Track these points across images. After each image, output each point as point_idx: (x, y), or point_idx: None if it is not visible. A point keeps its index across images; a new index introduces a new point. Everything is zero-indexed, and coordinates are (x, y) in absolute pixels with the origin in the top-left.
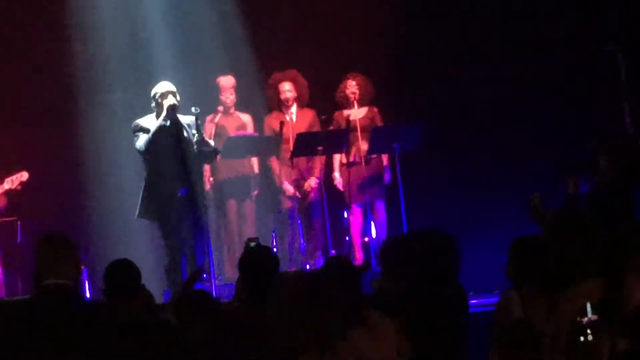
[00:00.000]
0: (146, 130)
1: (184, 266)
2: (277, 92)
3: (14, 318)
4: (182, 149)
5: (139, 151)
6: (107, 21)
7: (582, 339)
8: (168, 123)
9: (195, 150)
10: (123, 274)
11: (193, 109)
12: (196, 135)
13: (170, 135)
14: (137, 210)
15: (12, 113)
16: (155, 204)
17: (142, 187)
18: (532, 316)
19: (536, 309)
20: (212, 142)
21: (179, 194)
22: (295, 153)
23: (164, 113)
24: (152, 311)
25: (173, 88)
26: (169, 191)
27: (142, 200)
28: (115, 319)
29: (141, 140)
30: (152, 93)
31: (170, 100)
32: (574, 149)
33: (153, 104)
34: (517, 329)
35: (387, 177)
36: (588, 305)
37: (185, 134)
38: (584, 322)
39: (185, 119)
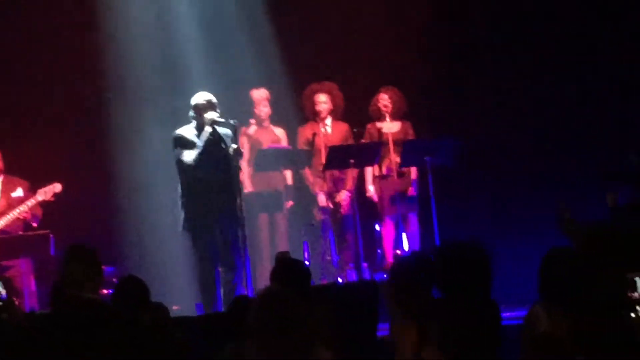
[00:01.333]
0: (189, 143)
1: (218, 280)
2: (313, 103)
3: (45, 330)
4: (220, 161)
5: (185, 165)
6: (140, 33)
7: (632, 314)
8: (213, 137)
9: (234, 162)
10: (128, 292)
11: (231, 121)
12: (233, 146)
13: (212, 148)
14: (182, 223)
15: (45, 125)
16: (194, 216)
17: (182, 199)
18: (556, 331)
19: (560, 324)
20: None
21: (217, 207)
22: (328, 166)
23: (208, 128)
24: (159, 327)
25: (213, 99)
26: (210, 203)
27: (185, 212)
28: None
29: (189, 155)
30: (193, 103)
31: (211, 115)
32: (616, 161)
33: (192, 114)
34: (542, 343)
35: (413, 190)
36: (638, 281)
37: (223, 145)
38: (634, 298)
39: (223, 131)
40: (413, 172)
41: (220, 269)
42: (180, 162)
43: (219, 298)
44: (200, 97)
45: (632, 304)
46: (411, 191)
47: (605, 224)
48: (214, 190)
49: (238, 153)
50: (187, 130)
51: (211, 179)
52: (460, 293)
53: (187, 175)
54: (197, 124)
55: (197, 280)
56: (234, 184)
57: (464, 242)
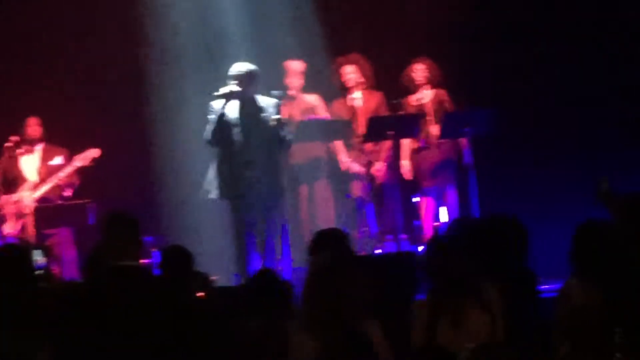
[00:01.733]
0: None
1: (253, 249)
2: (340, 76)
3: (85, 298)
4: (252, 131)
5: (204, 139)
6: (182, 1)
7: None
8: (225, 112)
9: (277, 134)
10: (174, 261)
11: (275, 92)
12: (275, 118)
13: (242, 116)
14: (212, 189)
15: (86, 93)
16: (226, 184)
17: (215, 166)
18: (591, 304)
19: (595, 296)
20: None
21: (249, 176)
22: (368, 137)
23: (223, 101)
24: (202, 297)
25: (239, 70)
26: (238, 172)
27: (215, 178)
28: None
29: (207, 131)
30: None
31: (226, 88)
32: None
33: None
34: (576, 316)
35: (467, 158)
36: None
37: (261, 115)
38: None
39: (264, 100)
40: (463, 140)
41: (256, 240)
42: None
43: (253, 269)
44: (230, 70)
45: None
46: (464, 159)
47: None
48: (240, 159)
49: (281, 124)
50: (219, 102)
51: (236, 148)
52: (498, 266)
53: (219, 146)
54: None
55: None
56: (274, 155)
57: (499, 215)
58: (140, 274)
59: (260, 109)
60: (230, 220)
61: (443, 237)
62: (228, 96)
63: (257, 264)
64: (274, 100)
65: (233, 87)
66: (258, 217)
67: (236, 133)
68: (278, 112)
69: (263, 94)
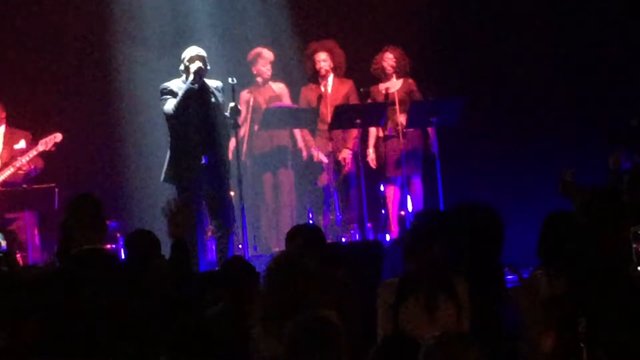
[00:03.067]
0: (174, 94)
1: (201, 239)
2: (313, 63)
3: (48, 281)
4: (208, 115)
5: (166, 114)
6: None
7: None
8: (196, 87)
9: (227, 118)
10: (140, 245)
11: (230, 80)
12: (230, 105)
13: (197, 100)
14: (163, 174)
15: (47, 77)
16: (178, 169)
17: (168, 151)
18: (556, 295)
19: (560, 287)
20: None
21: (202, 162)
22: (334, 125)
23: (191, 77)
24: (167, 279)
25: (202, 53)
26: (192, 157)
27: (168, 164)
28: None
29: (170, 104)
30: (182, 56)
31: (196, 65)
32: (618, 125)
33: (181, 67)
34: (542, 307)
35: (433, 147)
36: None
37: (213, 99)
38: None
39: (213, 83)
40: (430, 130)
41: (211, 226)
42: (164, 113)
43: (200, 257)
44: (190, 51)
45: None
46: (433, 147)
47: (605, 186)
48: (194, 143)
49: (235, 111)
50: (175, 83)
51: (191, 132)
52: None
53: (169, 125)
54: (185, 77)
55: None
56: (224, 139)
57: (479, 205)
58: (106, 258)
59: (212, 94)
60: None
61: (425, 225)
62: (198, 73)
63: (210, 251)
64: (218, 83)
65: (201, 64)
66: (211, 204)
67: (192, 114)
68: (233, 99)
69: (217, 79)
